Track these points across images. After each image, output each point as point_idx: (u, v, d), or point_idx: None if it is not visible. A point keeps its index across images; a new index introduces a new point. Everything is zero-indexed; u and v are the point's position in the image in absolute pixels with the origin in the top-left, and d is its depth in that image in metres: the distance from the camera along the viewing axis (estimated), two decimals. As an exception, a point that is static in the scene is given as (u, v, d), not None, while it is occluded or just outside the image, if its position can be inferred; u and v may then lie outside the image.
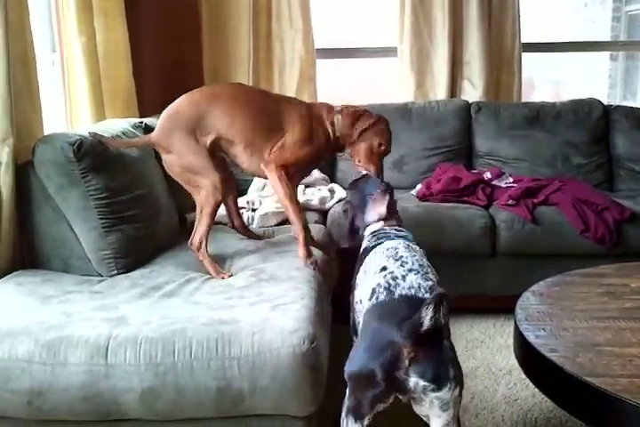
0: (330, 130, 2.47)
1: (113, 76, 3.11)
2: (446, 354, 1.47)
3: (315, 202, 3.26)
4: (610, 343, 1.81)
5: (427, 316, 1.39)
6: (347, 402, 1.51)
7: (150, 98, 3.46)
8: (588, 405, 1.62)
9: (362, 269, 1.83)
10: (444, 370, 1.44)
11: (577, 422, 2.24)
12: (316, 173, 3.51)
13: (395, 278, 1.61)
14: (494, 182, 3.40)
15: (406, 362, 1.41)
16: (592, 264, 2.45)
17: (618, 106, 3.83)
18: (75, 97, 2.94)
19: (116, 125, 2.65)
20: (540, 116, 3.70)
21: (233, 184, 2.66)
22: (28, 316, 1.82)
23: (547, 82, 6.71)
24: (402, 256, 1.72)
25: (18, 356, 1.65)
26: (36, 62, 2.45)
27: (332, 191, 3.43)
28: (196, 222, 2.37)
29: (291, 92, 4.04)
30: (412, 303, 1.50)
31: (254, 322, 1.74)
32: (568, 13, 7.13)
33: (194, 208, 2.57)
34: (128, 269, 2.32)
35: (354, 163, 2.51)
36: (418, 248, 1.88)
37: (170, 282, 2.13)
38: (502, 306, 2.98)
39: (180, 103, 2.42)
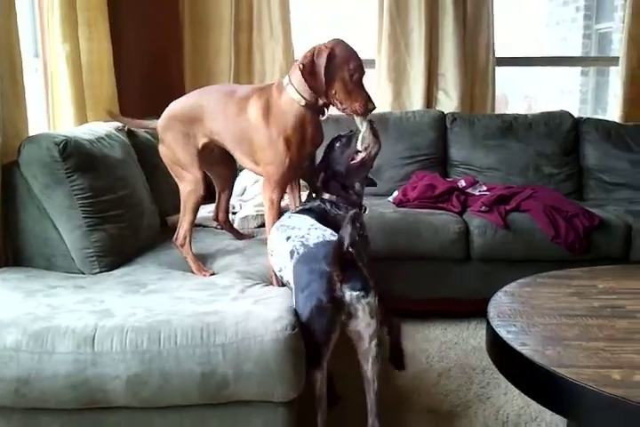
0: (290, 106, 2.24)
1: (96, 84, 3.17)
2: (364, 272, 1.85)
3: (292, 207, 3.31)
4: (577, 338, 1.88)
5: (346, 234, 1.73)
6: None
7: (131, 107, 3.51)
8: (556, 394, 1.69)
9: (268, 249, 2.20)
10: (367, 282, 1.83)
11: (546, 418, 2.33)
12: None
13: (302, 237, 1.97)
14: (468, 190, 3.50)
15: (338, 284, 1.78)
16: (563, 269, 2.52)
17: (588, 118, 3.97)
18: (57, 102, 2.99)
19: (99, 128, 2.70)
20: (512, 127, 3.82)
21: (230, 181, 2.75)
22: (15, 308, 1.86)
23: (520, 97, 6.88)
24: (293, 226, 2.07)
25: (5, 345, 1.69)
26: (22, 65, 2.50)
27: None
28: (180, 218, 2.44)
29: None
30: (327, 244, 1.89)
31: (237, 313, 1.80)
32: (540, 31, 7.33)
33: (175, 211, 2.63)
34: (111, 267, 2.37)
35: (341, 112, 2.26)
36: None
37: (153, 279, 2.18)
38: (476, 310, 3.06)
39: (184, 102, 2.52)
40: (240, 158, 2.44)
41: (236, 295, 1.98)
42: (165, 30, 4.00)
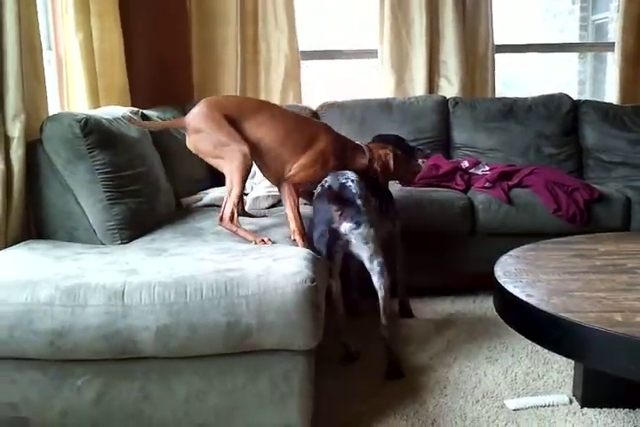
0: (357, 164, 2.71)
1: (109, 73, 3.27)
2: (360, 209, 2.35)
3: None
4: (581, 290, 1.99)
5: (341, 178, 2.47)
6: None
7: (141, 94, 3.62)
8: (563, 338, 1.79)
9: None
10: (360, 217, 2.35)
11: (552, 376, 2.42)
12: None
13: (325, 180, 2.50)
14: (471, 170, 3.60)
15: (337, 217, 2.34)
16: (565, 239, 2.64)
17: (586, 100, 4.09)
18: (72, 91, 3.09)
19: (116, 110, 2.80)
20: (513, 109, 3.93)
21: None
22: (46, 269, 1.96)
23: (519, 84, 6.98)
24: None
25: (40, 300, 1.78)
26: (42, 49, 2.62)
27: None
28: (225, 196, 2.49)
29: (276, 90, 4.24)
30: (334, 191, 2.39)
31: (258, 269, 1.90)
32: (537, 23, 7.45)
33: (188, 193, 2.69)
34: (131, 239, 2.46)
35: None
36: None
37: (174, 246, 2.28)
38: (481, 284, 3.16)
39: (226, 99, 2.71)
40: (265, 163, 2.61)
41: (257, 256, 2.07)
42: (173, 21, 4.10)
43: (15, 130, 2.36)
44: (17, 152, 2.37)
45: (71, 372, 1.84)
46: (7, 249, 2.25)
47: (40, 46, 2.59)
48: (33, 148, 2.43)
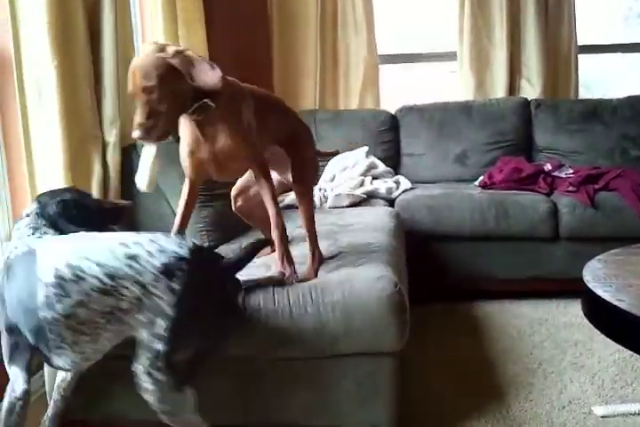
0: None
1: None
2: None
3: (382, 191, 3.46)
4: (674, 296, 1.94)
5: None
6: None
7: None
8: (656, 344, 1.76)
9: None
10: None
11: (642, 383, 2.37)
12: (382, 166, 3.71)
13: None
14: (555, 173, 3.55)
15: None
16: (654, 246, 2.57)
17: (674, 100, 3.95)
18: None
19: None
20: (597, 111, 3.85)
21: None
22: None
23: (600, 86, 6.79)
24: None
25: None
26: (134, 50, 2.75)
27: (397, 182, 3.62)
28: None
29: (355, 94, 4.29)
30: None
31: (341, 276, 1.96)
32: (620, 23, 7.22)
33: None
34: (218, 241, 2.55)
35: None
36: None
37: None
38: (565, 289, 3.12)
39: None
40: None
41: (336, 264, 2.11)
42: (254, 27, 4.23)
43: (112, 135, 2.48)
44: (113, 157, 2.49)
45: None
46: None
47: (134, 55, 2.71)
48: (127, 152, 2.54)
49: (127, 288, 1.50)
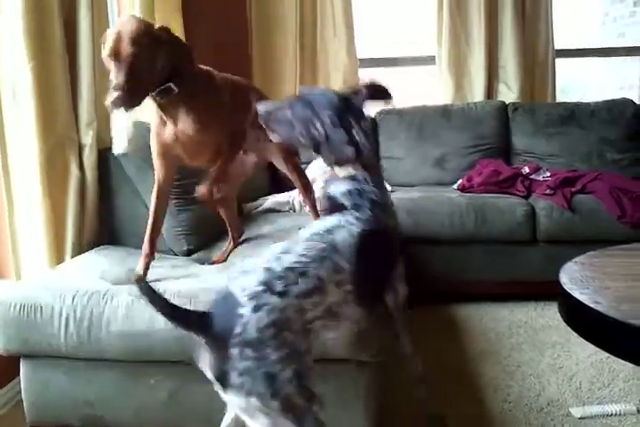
0: None
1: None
2: None
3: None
4: (651, 298, 1.96)
5: None
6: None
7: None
8: (633, 345, 1.77)
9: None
10: None
11: (618, 384, 2.38)
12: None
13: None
14: (532, 176, 3.57)
15: None
16: (630, 247, 2.59)
17: (651, 104, 4.00)
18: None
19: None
20: (575, 114, 3.88)
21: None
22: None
23: (575, 90, 6.86)
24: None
25: (117, 304, 1.86)
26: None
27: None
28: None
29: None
30: None
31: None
32: (596, 28, 7.30)
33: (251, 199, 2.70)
34: (197, 245, 2.53)
35: None
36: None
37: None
38: (542, 291, 3.14)
39: None
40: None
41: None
42: (233, 33, 4.20)
43: (88, 137, 2.46)
44: (89, 159, 2.47)
45: (144, 372, 1.90)
46: (83, 255, 2.34)
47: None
48: (105, 155, 2.52)
49: None
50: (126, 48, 1.69)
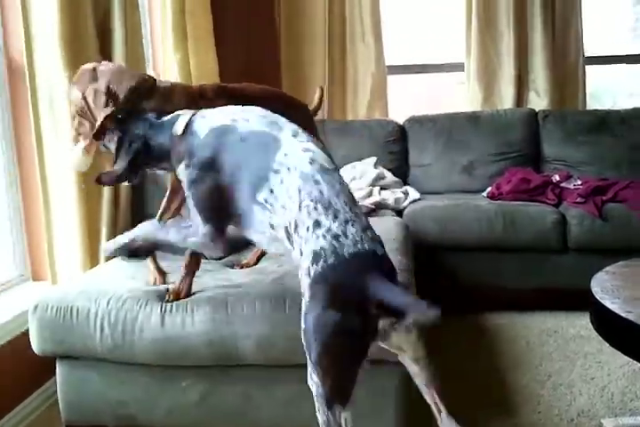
0: None
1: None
2: None
3: (390, 201, 3.47)
4: (683, 308, 1.94)
5: None
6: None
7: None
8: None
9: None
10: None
11: (652, 395, 2.36)
12: (390, 177, 3.73)
13: (337, 237, 1.41)
14: (563, 184, 3.55)
15: None
16: (663, 258, 2.56)
17: (683, 111, 3.96)
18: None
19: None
20: (605, 122, 3.85)
21: None
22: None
23: (605, 97, 6.79)
24: (330, 202, 1.46)
25: (151, 308, 1.89)
26: (145, 68, 2.77)
27: (405, 193, 3.62)
28: None
29: (362, 106, 4.31)
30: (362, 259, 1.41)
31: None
32: (627, 34, 7.23)
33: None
34: (228, 250, 2.55)
35: None
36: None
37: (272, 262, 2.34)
38: (573, 300, 3.10)
39: None
40: None
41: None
42: (263, 42, 4.26)
43: (123, 146, 2.50)
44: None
45: (176, 375, 1.93)
46: (116, 259, 2.38)
47: (144, 66, 2.75)
48: (138, 163, 2.56)
49: None
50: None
